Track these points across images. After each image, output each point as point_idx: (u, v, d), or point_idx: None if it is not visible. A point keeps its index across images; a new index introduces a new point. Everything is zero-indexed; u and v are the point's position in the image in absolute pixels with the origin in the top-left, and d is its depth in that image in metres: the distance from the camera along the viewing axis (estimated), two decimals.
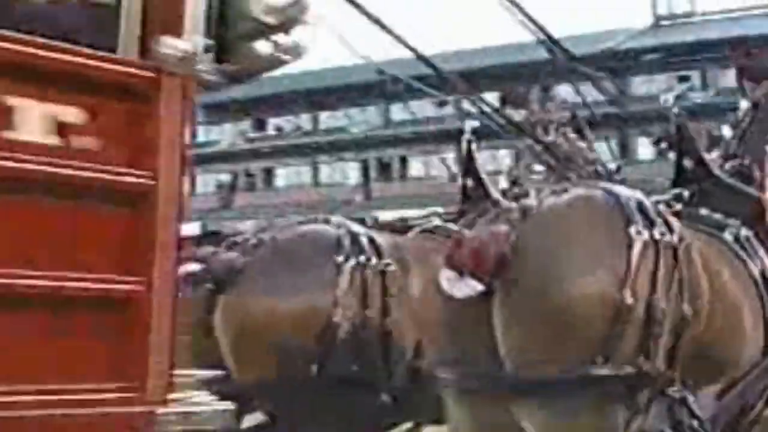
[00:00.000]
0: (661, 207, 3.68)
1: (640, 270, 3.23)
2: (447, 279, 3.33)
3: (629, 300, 3.17)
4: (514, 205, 3.66)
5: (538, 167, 5.50)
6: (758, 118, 4.49)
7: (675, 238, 3.37)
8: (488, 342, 3.29)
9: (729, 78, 27.27)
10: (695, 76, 35.40)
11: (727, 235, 3.84)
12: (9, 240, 1.99)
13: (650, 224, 3.36)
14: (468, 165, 4.82)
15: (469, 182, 4.73)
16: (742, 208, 4.03)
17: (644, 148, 32.21)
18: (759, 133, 4.45)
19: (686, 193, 4.06)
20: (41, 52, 2.05)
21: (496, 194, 4.69)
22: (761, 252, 3.88)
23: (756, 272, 3.74)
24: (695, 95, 32.97)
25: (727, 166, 4.32)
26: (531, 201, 3.58)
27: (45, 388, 1.99)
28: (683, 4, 37.13)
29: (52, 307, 2.05)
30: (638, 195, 3.51)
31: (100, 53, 2.13)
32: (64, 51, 2.08)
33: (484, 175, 4.75)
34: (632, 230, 3.30)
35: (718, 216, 3.94)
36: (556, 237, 3.35)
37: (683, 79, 35.25)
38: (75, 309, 2.07)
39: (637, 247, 3.25)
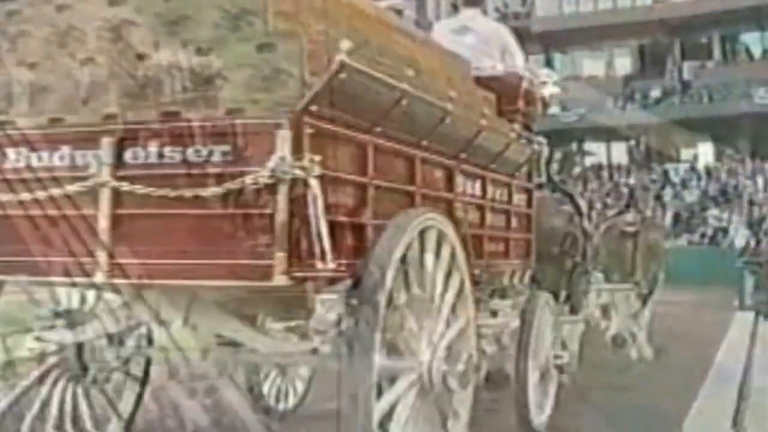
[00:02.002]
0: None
1: (567, 220, 10.26)
2: None
3: (569, 230, 10.20)
4: None
5: None
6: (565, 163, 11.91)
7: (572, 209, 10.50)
8: None
9: None
10: None
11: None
12: None
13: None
14: None
15: None
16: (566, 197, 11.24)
17: None
18: (564, 168, 11.82)
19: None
20: None
21: None
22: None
23: None
24: None
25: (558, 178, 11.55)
26: None
27: None
28: None
29: None
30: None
31: None
32: None
33: None
34: (563, 207, 10.33)
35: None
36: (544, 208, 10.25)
37: None
38: None
39: (565, 213, 10.29)
